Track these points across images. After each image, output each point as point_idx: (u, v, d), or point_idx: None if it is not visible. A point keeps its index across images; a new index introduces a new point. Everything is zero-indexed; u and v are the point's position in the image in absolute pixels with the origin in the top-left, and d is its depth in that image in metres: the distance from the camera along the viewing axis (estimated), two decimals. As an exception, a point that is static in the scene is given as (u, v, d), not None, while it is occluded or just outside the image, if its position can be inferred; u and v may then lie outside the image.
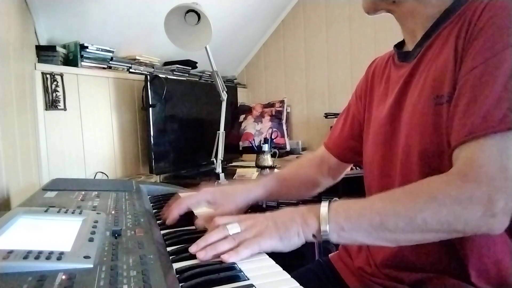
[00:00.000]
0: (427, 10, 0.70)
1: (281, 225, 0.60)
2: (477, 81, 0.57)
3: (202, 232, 0.69)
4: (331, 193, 1.15)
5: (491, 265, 0.64)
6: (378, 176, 0.79)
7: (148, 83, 1.88)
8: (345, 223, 0.59)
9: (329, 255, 0.94)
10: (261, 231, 0.60)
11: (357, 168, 1.92)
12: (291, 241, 0.60)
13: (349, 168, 1.00)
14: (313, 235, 0.60)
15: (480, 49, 0.59)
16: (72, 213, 0.62)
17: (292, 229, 0.60)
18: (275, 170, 2.06)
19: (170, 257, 0.56)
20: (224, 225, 0.61)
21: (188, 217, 0.79)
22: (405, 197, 0.58)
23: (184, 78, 2.32)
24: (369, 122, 0.85)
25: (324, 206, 0.61)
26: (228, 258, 0.54)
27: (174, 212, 0.75)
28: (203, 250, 0.56)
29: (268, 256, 0.58)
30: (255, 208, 0.94)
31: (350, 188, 1.02)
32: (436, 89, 0.65)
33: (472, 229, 0.55)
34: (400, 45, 0.82)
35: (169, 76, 2.13)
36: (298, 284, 0.48)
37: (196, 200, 0.81)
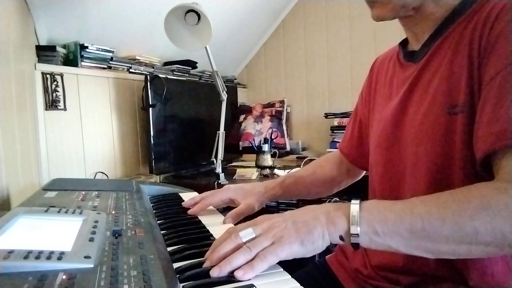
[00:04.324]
0: (440, 11, 0.67)
1: (302, 226, 0.53)
2: (502, 86, 0.54)
3: (202, 233, 0.69)
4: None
5: (493, 283, 0.62)
6: (379, 180, 0.77)
7: (148, 83, 1.88)
8: (380, 226, 0.51)
9: (326, 256, 0.93)
10: (279, 234, 0.52)
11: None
12: (315, 245, 0.52)
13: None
14: (340, 237, 0.53)
15: (501, 54, 0.56)
16: (73, 213, 0.61)
17: (316, 230, 0.52)
18: (275, 170, 2.06)
19: (170, 257, 0.56)
20: (236, 231, 0.54)
21: (190, 217, 0.79)
22: (452, 202, 0.51)
23: (184, 78, 2.32)
24: (373, 123, 0.83)
25: (355, 204, 0.53)
26: (243, 275, 0.48)
27: (196, 209, 0.81)
28: (217, 267, 0.49)
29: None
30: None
31: (350, 188, 1.02)
32: (449, 98, 0.62)
33: None
34: (404, 43, 0.79)
35: (169, 76, 2.13)
36: (299, 285, 0.48)
37: (219, 198, 0.85)
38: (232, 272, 0.49)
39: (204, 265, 0.52)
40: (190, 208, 0.83)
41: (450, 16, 0.66)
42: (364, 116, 0.90)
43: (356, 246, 0.53)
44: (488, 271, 0.62)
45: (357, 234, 0.52)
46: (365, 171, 0.97)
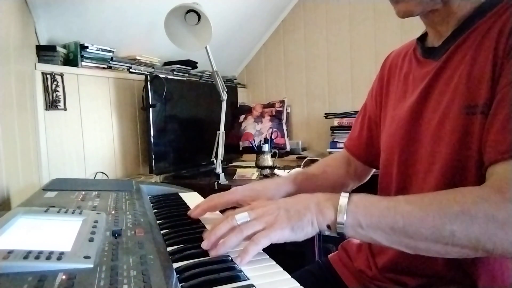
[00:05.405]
0: (466, 7, 0.64)
1: (294, 213, 0.57)
2: None
3: (203, 233, 0.69)
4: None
5: (502, 286, 0.62)
6: (396, 178, 0.75)
7: (148, 83, 1.88)
8: (364, 220, 0.55)
9: (328, 255, 0.92)
10: (272, 221, 0.56)
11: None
12: (304, 231, 0.56)
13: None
14: (328, 226, 0.57)
15: None
16: (72, 213, 0.61)
17: (306, 218, 0.57)
18: (275, 170, 2.06)
19: (170, 257, 0.56)
20: (232, 215, 0.59)
21: (190, 218, 0.79)
22: (435, 204, 0.54)
23: (184, 78, 2.32)
24: (385, 121, 0.81)
25: (344, 197, 0.57)
26: (241, 261, 0.53)
27: (199, 210, 0.76)
28: (214, 248, 0.56)
29: (268, 256, 0.58)
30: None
31: (356, 188, 1.01)
32: (469, 98, 0.60)
33: (503, 251, 0.51)
34: (422, 38, 0.76)
35: (169, 76, 2.13)
36: (298, 284, 0.48)
37: (226, 200, 0.79)
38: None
39: (202, 245, 0.57)
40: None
41: (475, 14, 0.63)
42: (374, 113, 0.87)
43: (341, 234, 0.56)
44: (497, 273, 0.62)
45: (343, 225, 0.55)
46: (372, 173, 0.96)
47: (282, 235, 0.55)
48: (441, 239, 0.52)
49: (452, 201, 0.53)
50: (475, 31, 0.63)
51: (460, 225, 0.51)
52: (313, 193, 0.62)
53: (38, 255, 0.42)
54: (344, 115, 2.37)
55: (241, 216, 0.58)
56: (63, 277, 0.40)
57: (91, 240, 0.50)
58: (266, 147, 2.09)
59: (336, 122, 2.38)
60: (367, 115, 0.90)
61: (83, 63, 1.73)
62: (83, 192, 0.83)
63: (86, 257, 0.44)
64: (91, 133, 1.79)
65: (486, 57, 0.59)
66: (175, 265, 0.53)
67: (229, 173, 2.07)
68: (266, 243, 0.55)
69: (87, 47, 1.72)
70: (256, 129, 2.52)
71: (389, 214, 0.54)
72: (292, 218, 0.57)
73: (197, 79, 2.47)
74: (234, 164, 2.55)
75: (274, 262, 0.56)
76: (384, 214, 0.55)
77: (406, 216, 0.53)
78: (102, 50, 1.79)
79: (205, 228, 0.72)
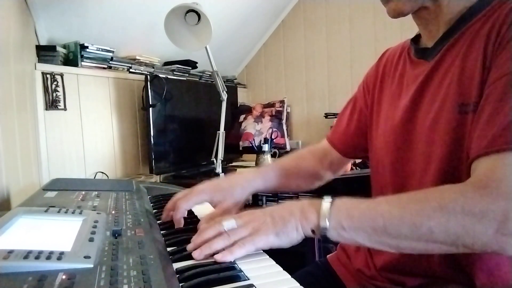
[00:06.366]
0: (457, 7, 0.65)
1: (278, 220, 0.58)
2: (503, 91, 0.54)
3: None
4: (330, 194, 1.14)
5: (500, 284, 0.62)
6: (391, 179, 0.75)
7: (148, 83, 1.88)
8: (346, 222, 0.56)
9: (327, 256, 0.92)
10: (258, 227, 0.58)
11: (357, 168, 1.92)
12: (289, 236, 0.57)
13: (350, 164, 0.97)
14: (312, 230, 0.58)
15: (509, 57, 0.55)
16: (72, 213, 0.62)
17: (290, 223, 0.58)
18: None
19: (170, 257, 0.56)
20: (220, 221, 0.60)
21: (190, 217, 0.78)
22: (413, 202, 0.55)
23: (184, 78, 2.32)
24: (378, 120, 0.81)
25: (326, 201, 0.58)
26: (222, 258, 0.53)
27: (178, 218, 0.72)
28: (198, 249, 0.56)
29: (268, 256, 0.58)
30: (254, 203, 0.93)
31: (350, 188, 1.01)
32: (461, 97, 0.61)
33: (482, 246, 0.51)
34: (416, 38, 0.76)
35: (169, 76, 2.13)
36: (298, 284, 0.48)
37: (193, 203, 0.76)
38: (213, 255, 0.55)
39: (188, 247, 0.57)
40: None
41: (467, 13, 0.64)
42: (366, 108, 0.86)
43: (325, 238, 0.57)
44: (495, 272, 0.62)
45: (326, 229, 0.56)
46: (347, 165, 0.96)
47: (267, 241, 0.57)
48: (420, 236, 0.52)
49: (430, 198, 0.54)
50: (466, 32, 0.63)
51: (437, 221, 0.51)
52: (290, 191, 0.63)
53: (38, 255, 0.43)
54: (344, 115, 2.37)
55: (228, 223, 0.59)
56: (63, 277, 0.40)
57: (91, 240, 0.50)
58: (266, 147, 2.09)
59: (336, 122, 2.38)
60: (358, 109, 0.89)
61: (83, 63, 1.73)
62: (83, 192, 0.83)
63: (86, 257, 0.45)
64: (91, 133, 1.79)
65: (476, 56, 0.60)
66: (175, 265, 0.53)
67: (229, 173, 2.07)
68: (250, 248, 0.56)
69: (87, 47, 1.72)
70: (256, 129, 2.52)
71: (370, 214, 0.56)
72: (277, 224, 0.58)
73: (197, 79, 2.47)
74: (234, 164, 2.55)
75: (274, 262, 0.56)
76: (365, 215, 0.56)
77: (386, 216, 0.54)
78: (102, 50, 1.79)
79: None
